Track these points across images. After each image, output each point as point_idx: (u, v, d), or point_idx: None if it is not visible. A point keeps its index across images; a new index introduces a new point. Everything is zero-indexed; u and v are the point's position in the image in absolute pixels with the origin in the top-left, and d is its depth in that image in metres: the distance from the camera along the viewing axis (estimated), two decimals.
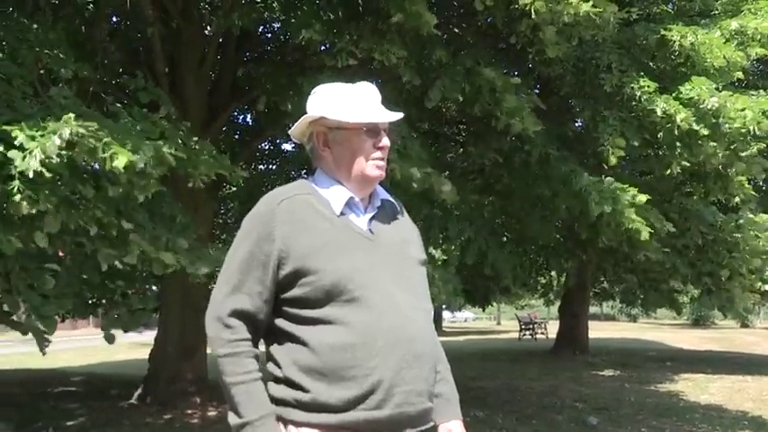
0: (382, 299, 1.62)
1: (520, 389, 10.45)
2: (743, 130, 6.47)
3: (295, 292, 1.62)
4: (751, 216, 8.39)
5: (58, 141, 3.45)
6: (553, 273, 15.62)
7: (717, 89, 6.51)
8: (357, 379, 1.56)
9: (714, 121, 6.39)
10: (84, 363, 15.40)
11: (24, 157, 3.42)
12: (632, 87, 6.52)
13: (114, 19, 7.79)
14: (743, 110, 6.33)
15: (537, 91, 8.80)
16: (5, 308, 4.91)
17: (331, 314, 1.59)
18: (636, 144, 6.72)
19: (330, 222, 1.67)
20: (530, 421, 7.59)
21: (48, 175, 3.47)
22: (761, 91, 8.25)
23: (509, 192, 8.01)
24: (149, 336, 8.50)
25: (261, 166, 12.18)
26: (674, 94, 6.53)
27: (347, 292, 1.59)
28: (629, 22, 6.99)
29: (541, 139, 6.63)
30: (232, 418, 1.60)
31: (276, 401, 1.62)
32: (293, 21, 6.14)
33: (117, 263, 4.58)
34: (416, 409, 1.64)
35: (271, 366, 1.67)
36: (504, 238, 8.88)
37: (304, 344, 1.60)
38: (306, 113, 1.77)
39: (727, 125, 6.45)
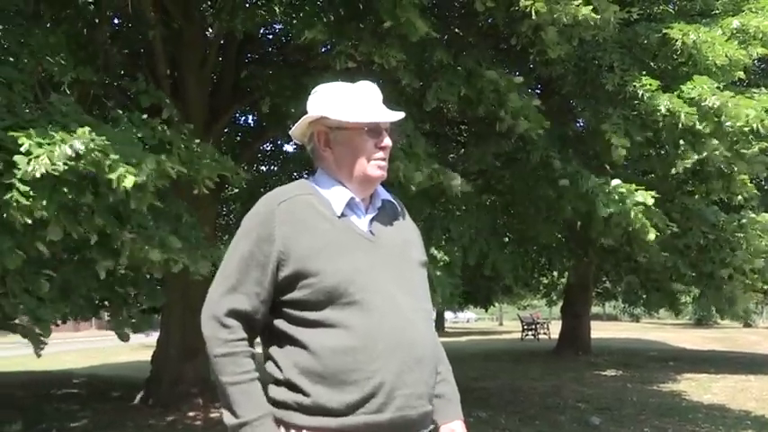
0: (383, 301, 1.61)
1: (522, 389, 10.44)
2: (745, 129, 6.46)
3: (295, 294, 1.61)
4: (753, 216, 8.38)
5: (69, 152, 3.46)
6: (555, 272, 15.62)
7: (718, 88, 6.51)
8: (358, 382, 1.55)
9: (716, 119, 6.39)
10: (87, 365, 15.40)
11: (29, 161, 3.42)
12: (635, 86, 6.51)
13: (116, 21, 7.80)
14: (746, 108, 6.31)
15: (538, 91, 8.80)
16: (4, 310, 4.93)
17: (332, 317, 1.58)
18: (640, 141, 6.70)
19: (331, 223, 1.66)
20: (532, 422, 7.58)
21: (49, 181, 3.47)
22: (762, 89, 8.23)
23: (511, 192, 8.01)
24: (152, 337, 8.51)
25: (263, 167, 12.20)
26: (675, 93, 6.53)
27: (348, 294, 1.58)
28: (630, 22, 6.99)
29: (543, 141, 6.63)
30: (228, 418, 1.59)
31: (276, 404, 1.61)
32: (295, 22, 6.15)
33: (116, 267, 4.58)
34: (417, 412, 1.63)
35: (270, 368, 1.65)
36: (506, 239, 8.88)
37: (304, 346, 1.58)
38: (307, 113, 1.76)
39: (728, 124, 6.45)
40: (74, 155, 3.48)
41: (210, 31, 8.18)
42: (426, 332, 1.69)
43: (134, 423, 7.09)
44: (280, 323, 1.64)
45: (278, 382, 1.62)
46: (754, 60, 7.44)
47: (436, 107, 6.37)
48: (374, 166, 1.72)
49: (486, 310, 32.58)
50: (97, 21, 6.76)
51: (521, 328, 25.78)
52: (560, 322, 18.09)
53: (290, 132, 1.83)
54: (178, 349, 8.05)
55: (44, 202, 3.51)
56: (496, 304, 32.87)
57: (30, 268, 4.41)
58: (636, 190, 6.22)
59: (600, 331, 22.73)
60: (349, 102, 1.71)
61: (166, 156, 4.27)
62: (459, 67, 6.17)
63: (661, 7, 7.95)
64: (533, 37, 5.87)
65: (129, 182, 3.65)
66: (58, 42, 4.95)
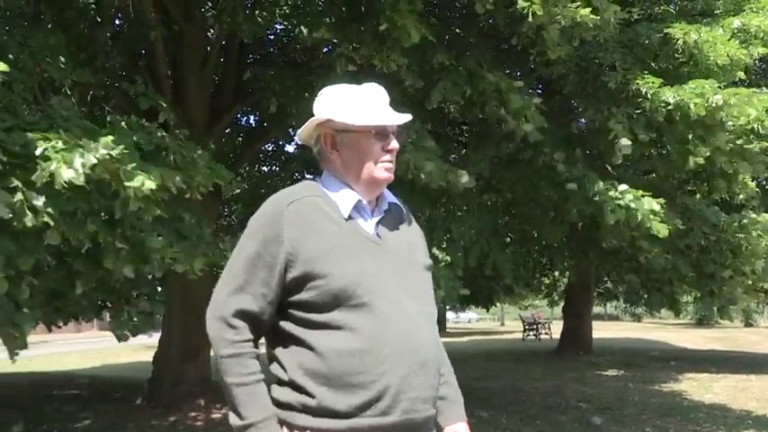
0: (390, 305, 1.61)
1: (524, 389, 10.44)
2: (747, 128, 6.46)
3: (302, 295, 1.60)
4: (754, 216, 8.37)
5: (94, 160, 3.42)
6: (556, 272, 15.60)
7: (719, 88, 6.50)
8: (364, 385, 1.55)
9: (722, 113, 6.37)
10: (89, 365, 15.41)
11: (52, 167, 3.37)
12: (637, 83, 6.50)
13: (116, 22, 7.81)
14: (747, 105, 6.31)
15: (539, 92, 8.80)
16: None
17: (338, 319, 1.57)
18: (645, 139, 6.68)
19: (338, 226, 1.65)
20: (534, 422, 7.58)
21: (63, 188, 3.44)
22: (763, 88, 8.23)
23: (513, 192, 8.00)
24: (153, 338, 8.51)
25: (264, 168, 12.20)
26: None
27: (355, 297, 1.58)
28: (631, 22, 6.99)
29: (546, 143, 6.62)
30: (234, 419, 1.59)
31: (281, 405, 1.61)
32: (297, 23, 6.15)
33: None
34: (422, 416, 1.63)
35: (275, 369, 1.65)
36: (507, 239, 8.87)
37: (310, 348, 1.58)
38: (313, 115, 1.75)
39: (730, 122, 6.44)
40: (95, 162, 3.45)
41: (212, 32, 8.18)
42: (430, 336, 1.69)
43: (135, 424, 7.09)
44: (285, 324, 1.63)
45: (282, 383, 1.62)
46: (755, 60, 7.44)
47: (437, 107, 6.37)
48: (381, 168, 1.72)
49: (488, 311, 32.53)
50: (99, 20, 6.76)
51: (522, 329, 25.78)
52: (562, 322, 18.09)
53: (296, 135, 1.83)
54: (179, 350, 8.06)
55: (50, 208, 3.49)
56: (498, 304, 32.84)
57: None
58: (642, 196, 6.21)
59: (601, 331, 22.74)
60: (355, 104, 1.71)
61: (162, 165, 4.24)
62: (460, 68, 6.17)
63: (662, 7, 7.95)
64: (534, 37, 5.87)
65: (148, 186, 3.61)
66: (57, 44, 4.94)
